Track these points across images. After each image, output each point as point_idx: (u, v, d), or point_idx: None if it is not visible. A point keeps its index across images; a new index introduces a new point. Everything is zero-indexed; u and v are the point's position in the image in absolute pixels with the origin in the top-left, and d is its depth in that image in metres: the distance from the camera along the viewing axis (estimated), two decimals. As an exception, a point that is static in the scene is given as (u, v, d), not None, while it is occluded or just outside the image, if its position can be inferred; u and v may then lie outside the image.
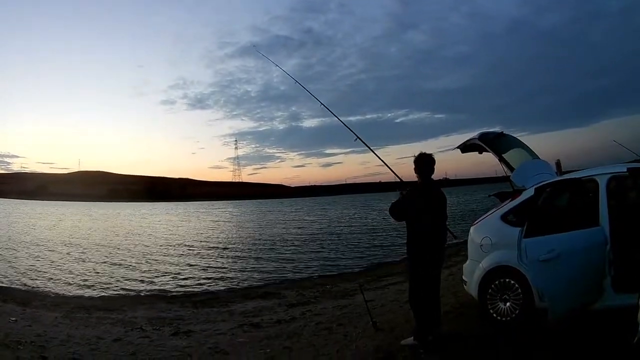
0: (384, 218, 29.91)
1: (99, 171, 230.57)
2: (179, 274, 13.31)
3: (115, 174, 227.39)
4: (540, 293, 4.34)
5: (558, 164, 5.30)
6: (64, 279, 12.16)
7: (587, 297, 4.16)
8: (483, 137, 5.41)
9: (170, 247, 20.18)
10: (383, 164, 5.30)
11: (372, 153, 5.45)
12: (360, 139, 5.34)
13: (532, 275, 4.25)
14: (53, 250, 18.45)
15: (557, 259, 3.97)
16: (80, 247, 19.71)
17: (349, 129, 5.49)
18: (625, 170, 4.37)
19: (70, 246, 20.13)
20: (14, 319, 6.55)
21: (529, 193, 4.80)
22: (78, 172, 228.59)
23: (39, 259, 15.98)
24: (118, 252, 18.34)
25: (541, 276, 4.08)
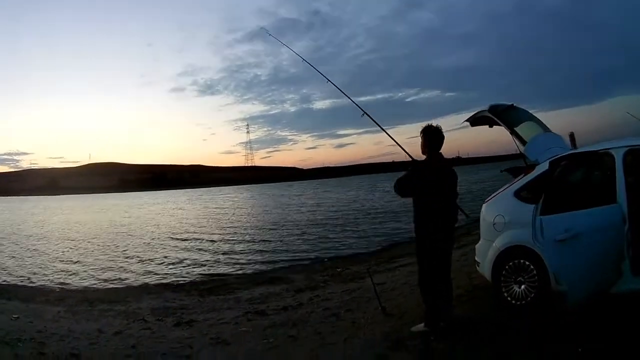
0: (392, 198, 29.57)
1: (109, 162, 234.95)
2: (185, 261, 13.25)
3: (126, 164, 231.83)
4: (556, 275, 4.06)
5: (572, 136, 4.91)
6: (69, 272, 12.09)
7: (606, 280, 3.86)
8: (493, 109, 5.05)
9: (177, 235, 20.10)
10: (394, 142, 5.02)
11: (384, 132, 5.17)
12: (367, 114, 5.05)
13: (548, 256, 3.96)
14: (60, 245, 18.47)
15: (574, 239, 3.65)
16: (87, 240, 19.76)
17: (356, 104, 5.21)
18: None
19: (77, 239, 20.16)
20: (15, 316, 6.44)
21: (543, 167, 4.49)
22: (88, 164, 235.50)
23: (45, 254, 15.98)
24: (125, 242, 18.38)
25: (558, 257, 3.76)
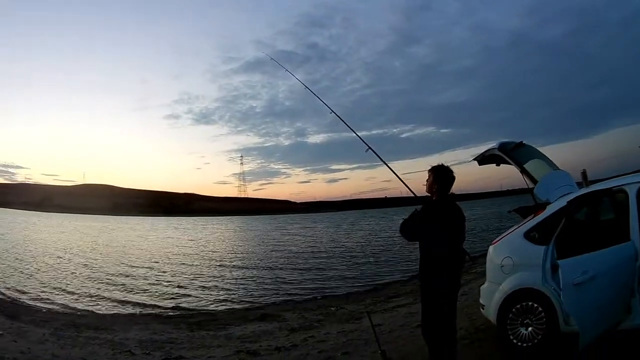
0: (390, 236, 29.39)
1: (103, 184, 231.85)
2: (175, 291, 12.99)
3: (119, 187, 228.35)
4: (566, 317, 3.98)
5: (584, 174, 4.81)
6: (59, 293, 12.10)
7: (616, 318, 3.78)
8: (503, 147, 4.95)
9: (169, 264, 19.74)
10: (396, 176, 4.88)
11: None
12: (372, 149, 4.94)
13: (564, 299, 3.79)
14: (51, 264, 18.27)
15: (591, 281, 3.57)
16: (79, 262, 19.50)
17: (361, 139, 5.12)
18: None
19: (69, 260, 19.94)
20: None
21: (555, 207, 4.38)
22: (83, 184, 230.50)
23: (37, 271, 15.80)
24: (116, 268, 18.07)
25: (575, 300, 3.63)
